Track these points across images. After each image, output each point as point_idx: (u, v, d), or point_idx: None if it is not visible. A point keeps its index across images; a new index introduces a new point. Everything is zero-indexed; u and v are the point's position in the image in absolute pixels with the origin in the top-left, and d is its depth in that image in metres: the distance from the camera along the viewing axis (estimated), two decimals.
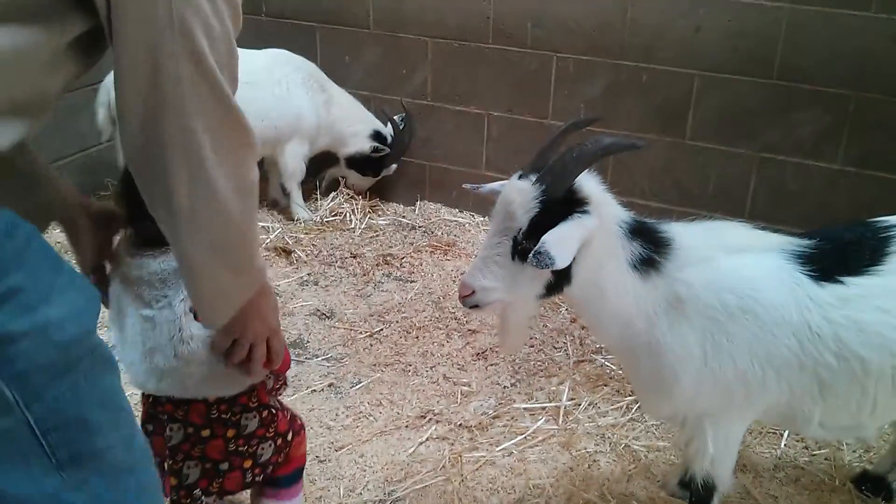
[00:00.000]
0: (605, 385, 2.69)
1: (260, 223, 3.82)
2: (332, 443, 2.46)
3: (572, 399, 2.65)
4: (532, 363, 2.82)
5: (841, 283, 1.78)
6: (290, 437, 1.90)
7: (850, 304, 1.76)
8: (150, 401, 1.81)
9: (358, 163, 3.94)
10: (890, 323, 1.75)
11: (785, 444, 2.47)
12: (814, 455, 2.45)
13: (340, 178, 4.10)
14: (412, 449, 2.45)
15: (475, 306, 1.82)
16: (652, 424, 2.52)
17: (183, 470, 1.79)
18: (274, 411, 1.86)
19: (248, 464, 1.82)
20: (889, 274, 1.78)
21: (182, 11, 0.97)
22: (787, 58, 3.13)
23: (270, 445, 1.85)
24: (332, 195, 4.07)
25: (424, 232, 3.80)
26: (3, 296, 0.97)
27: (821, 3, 3.03)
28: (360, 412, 2.60)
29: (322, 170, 4.11)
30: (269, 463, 1.87)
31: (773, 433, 2.52)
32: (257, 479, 1.86)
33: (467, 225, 3.84)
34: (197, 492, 1.79)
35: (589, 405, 2.62)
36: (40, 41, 0.99)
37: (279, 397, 1.95)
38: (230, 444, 1.79)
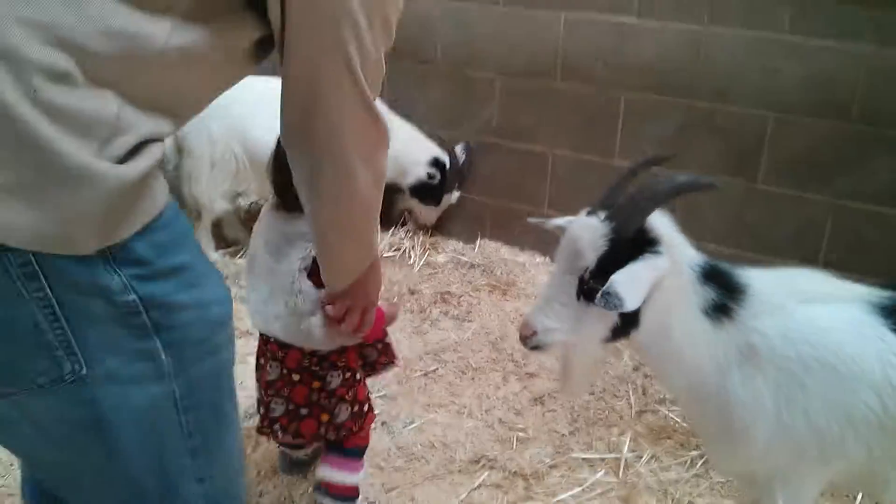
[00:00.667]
0: (669, 438, 2.57)
1: None
2: (384, 483, 2.40)
3: (633, 451, 2.54)
4: (592, 411, 2.71)
5: None
6: (365, 409, 2.15)
7: None
8: (263, 339, 2.12)
9: (418, 191, 3.93)
10: None
11: None
12: None
13: (406, 214, 4.08)
14: (464, 495, 2.37)
15: (536, 347, 1.75)
16: (717, 482, 2.39)
17: (271, 404, 2.09)
18: (357, 377, 2.12)
19: (325, 418, 2.08)
20: None
21: (346, 39, 1.14)
22: (866, 101, 3.01)
23: (347, 409, 2.09)
24: (391, 230, 4.05)
25: (483, 271, 3.73)
26: (174, 269, 1.12)
27: None
28: (412, 454, 2.53)
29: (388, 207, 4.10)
30: (344, 427, 2.10)
31: (847, 495, 2.36)
32: (329, 436, 2.10)
33: (527, 265, 3.77)
34: (276, 426, 2.08)
35: (651, 458, 2.50)
36: (216, 45, 1.10)
37: (380, 375, 2.40)
38: (313, 395, 2.06)
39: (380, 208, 1.43)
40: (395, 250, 3.89)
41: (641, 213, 1.65)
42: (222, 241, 3.89)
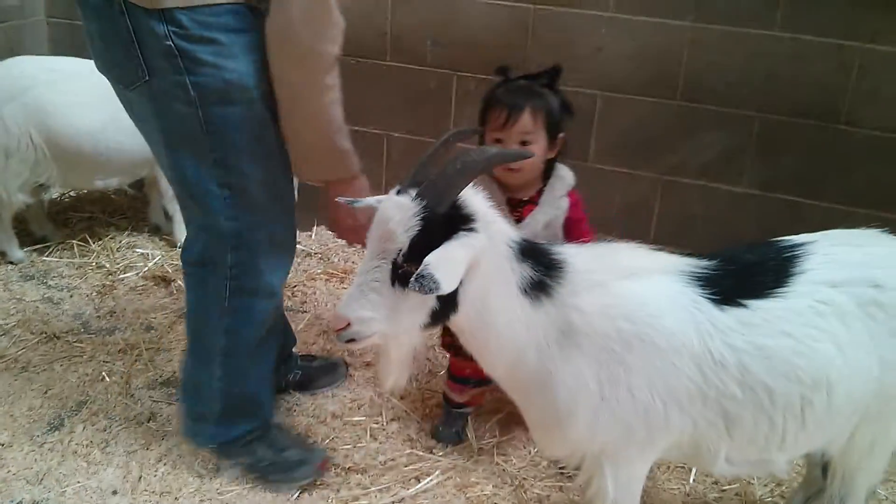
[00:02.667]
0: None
1: (139, 249, 3.54)
2: (205, 491, 2.22)
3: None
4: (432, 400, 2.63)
5: (744, 306, 1.65)
6: None
7: (755, 328, 1.63)
8: None
9: None
10: (796, 349, 1.63)
11: (694, 480, 2.34)
12: (724, 490, 2.33)
13: None
14: (295, 495, 2.22)
15: (352, 340, 1.62)
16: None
17: None
18: None
19: None
20: (794, 296, 1.66)
21: None
22: (691, 78, 3.07)
23: None
24: None
25: (320, 259, 3.57)
26: (205, 39, 1.76)
27: (724, 22, 2.97)
28: None
29: None
30: None
31: (682, 468, 2.38)
32: None
33: (364, 249, 3.62)
34: None
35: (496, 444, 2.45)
36: None
37: None
38: None
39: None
40: None
41: (454, 189, 1.55)
42: (29, 237, 3.53)
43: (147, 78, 1.80)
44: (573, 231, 2.27)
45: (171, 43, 1.74)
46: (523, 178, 2.20)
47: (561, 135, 2.22)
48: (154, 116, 1.89)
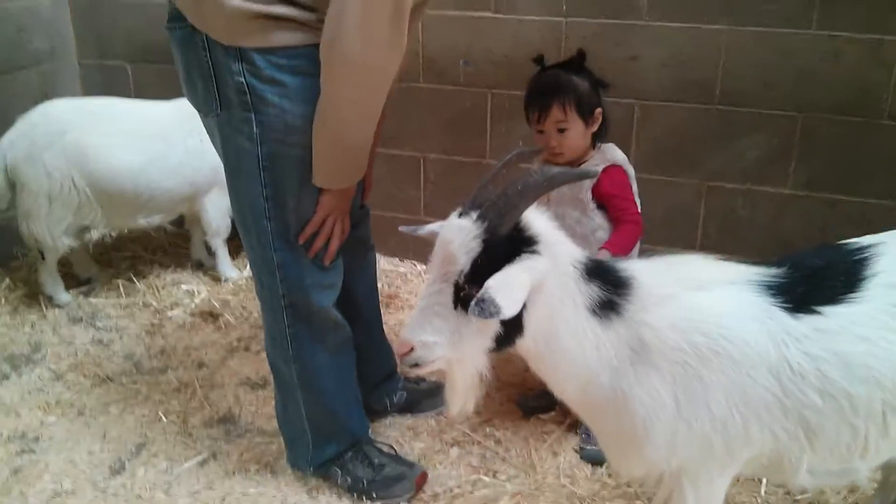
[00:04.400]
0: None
1: (184, 286, 3.55)
2: None
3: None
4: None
5: (818, 313, 1.60)
6: None
7: (830, 335, 1.58)
8: None
9: None
10: (874, 353, 1.57)
11: (765, 492, 2.29)
12: (797, 501, 2.27)
13: None
14: None
15: (416, 365, 1.60)
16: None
17: None
18: None
19: None
20: (868, 300, 1.61)
21: None
22: (728, 82, 3.03)
23: None
24: None
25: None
26: (275, 81, 1.88)
27: (759, 24, 2.93)
28: (300, 497, 2.33)
29: None
30: None
31: (752, 480, 2.32)
32: None
33: (409, 274, 3.62)
34: None
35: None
36: None
37: None
38: None
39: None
40: None
41: (515, 210, 1.53)
42: (73, 279, 3.56)
43: (220, 110, 1.93)
44: (609, 206, 2.42)
45: (242, 80, 1.86)
46: (567, 158, 2.43)
47: (598, 110, 2.43)
48: (221, 146, 2.02)
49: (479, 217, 1.54)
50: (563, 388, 1.70)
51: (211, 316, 3.31)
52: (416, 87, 3.45)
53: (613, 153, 2.48)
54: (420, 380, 2.70)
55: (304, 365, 2.19)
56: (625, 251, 2.32)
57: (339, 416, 2.29)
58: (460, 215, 1.58)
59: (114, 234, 3.98)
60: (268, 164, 1.94)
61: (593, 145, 2.47)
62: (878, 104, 2.90)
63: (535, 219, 1.59)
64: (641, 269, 1.66)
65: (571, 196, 2.41)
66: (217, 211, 3.48)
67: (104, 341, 3.16)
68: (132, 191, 3.25)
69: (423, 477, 2.32)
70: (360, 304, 2.45)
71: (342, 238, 2.08)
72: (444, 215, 1.65)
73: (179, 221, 3.76)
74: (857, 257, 1.70)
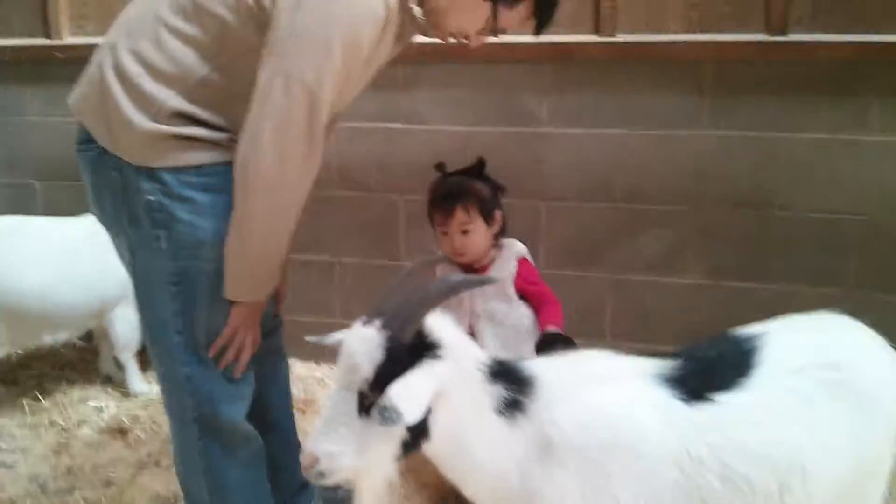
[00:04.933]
0: None
1: (92, 402, 3.44)
2: None
3: None
4: None
5: (714, 402, 1.66)
6: None
7: (727, 423, 1.64)
8: None
9: None
10: (766, 437, 1.65)
11: None
12: None
13: None
14: None
15: (322, 475, 1.59)
16: None
17: None
18: None
19: None
20: (757, 387, 1.69)
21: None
22: (627, 181, 3.19)
23: None
24: None
25: None
26: (186, 199, 1.89)
27: (653, 127, 3.13)
28: None
29: None
30: None
31: None
32: None
33: (325, 378, 3.58)
34: None
35: None
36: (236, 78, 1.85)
37: None
38: None
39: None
40: None
41: (416, 318, 1.57)
42: None
43: (129, 229, 1.93)
44: (529, 295, 2.56)
45: (152, 198, 1.87)
46: (470, 258, 2.54)
47: (498, 212, 2.57)
48: (130, 263, 2.01)
49: (382, 326, 1.56)
50: (475, 491, 1.71)
51: (120, 432, 3.20)
52: (330, 194, 3.52)
53: (518, 248, 2.61)
54: (337, 487, 2.65)
55: (215, 480, 2.13)
56: (560, 324, 2.45)
57: None
58: (364, 324, 1.60)
59: (19, 352, 3.84)
60: (178, 280, 1.93)
61: (495, 244, 2.59)
62: (769, 196, 3.09)
63: (438, 324, 1.62)
64: (544, 368, 1.70)
65: (498, 292, 2.52)
66: (126, 325, 3.41)
67: (8, 463, 3.02)
68: (39, 309, 3.18)
69: None
70: (273, 414, 2.41)
71: (253, 349, 2.07)
72: (360, 315, 1.67)
73: (87, 336, 3.67)
74: (747, 346, 1.78)
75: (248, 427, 2.15)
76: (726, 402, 1.66)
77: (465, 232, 2.50)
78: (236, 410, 2.11)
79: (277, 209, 1.85)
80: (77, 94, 1.98)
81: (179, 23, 1.84)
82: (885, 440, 1.80)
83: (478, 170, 2.61)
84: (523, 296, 2.55)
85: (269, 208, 1.83)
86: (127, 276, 3.16)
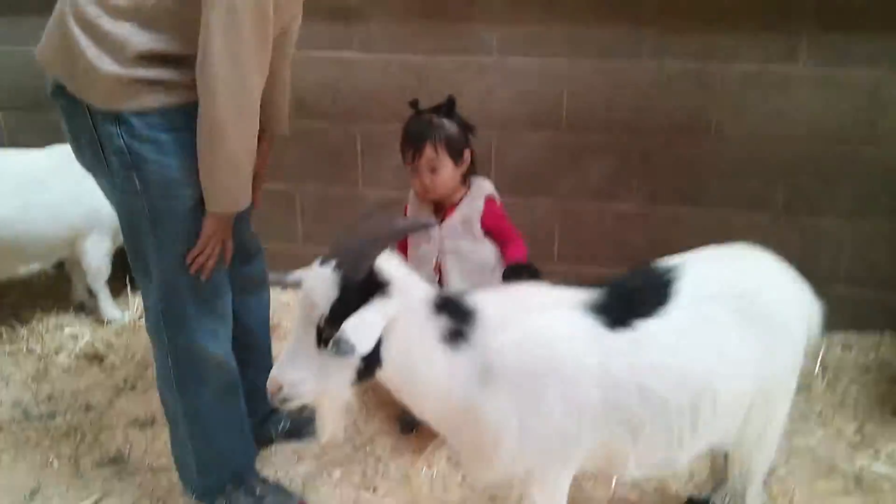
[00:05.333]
0: None
1: (67, 329, 3.60)
2: None
3: None
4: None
5: (632, 328, 1.87)
6: None
7: (644, 347, 1.85)
8: None
9: None
10: (680, 359, 1.87)
11: (615, 483, 2.56)
12: (643, 490, 2.55)
13: None
14: None
15: (285, 400, 1.78)
16: None
17: None
18: None
19: None
20: (673, 314, 1.90)
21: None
22: (572, 110, 3.34)
23: None
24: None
25: None
26: (154, 140, 2.02)
27: (596, 56, 3.25)
28: None
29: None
30: None
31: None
32: None
33: (291, 303, 3.76)
34: None
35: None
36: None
37: None
38: None
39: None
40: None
41: (367, 258, 1.73)
42: None
43: (107, 171, 2.07)
44: (495, 233, 2.68)
45: (122, 142, 2.00)
46: (440, 194, 2.65)
47: (466, 151, 2.65)
48: (114, 204, 2.18)
49: (336, 266, 1.73)
50: (423, 410, 1.91)
51: (96, 358, 3.37)
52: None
53: (485, 187, 2.72)
54: (301, 409, 2.87)
55: (189, 402, 2.32)
56: (525, 257, 2.60)
57: (223, 451, 2.43)
58: (321, 264, 1.77)
59: None
60: (154, 217, 2.09)
61: (464, 182, 2.70)
62: (705, 123, 3.27)
63: (387, 264, 1.79)
64: (484, 300, 1.89)
65: (464, 230, 2.64)
66: (97, 252, 3.54)
67: None
68: (11, 239, 3.28)
69: None
70: (254, 340, 2.59)
71: (227, 257, 2.22)
72: (322, 242, 1.82)
73: (59, 264, 3.78)
74: (665, 277, 1.98)
75: (222, 358, 2.32)
76: (645, 328, 1.87)
77: (433, 170, 2.59)
78: (211, 341, 2.28)
79: (240, 109, 1.96)
80: (43, 44, 2.07)
81: None
82: (789, 362, 2.03)
83: (447, 108, 2.66)
84: (489, 233, 2.67)
85: (232, 109, 1.94)
86: (95, 206, 3.35)
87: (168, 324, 2.22)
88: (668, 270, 2.00)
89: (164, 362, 2.29)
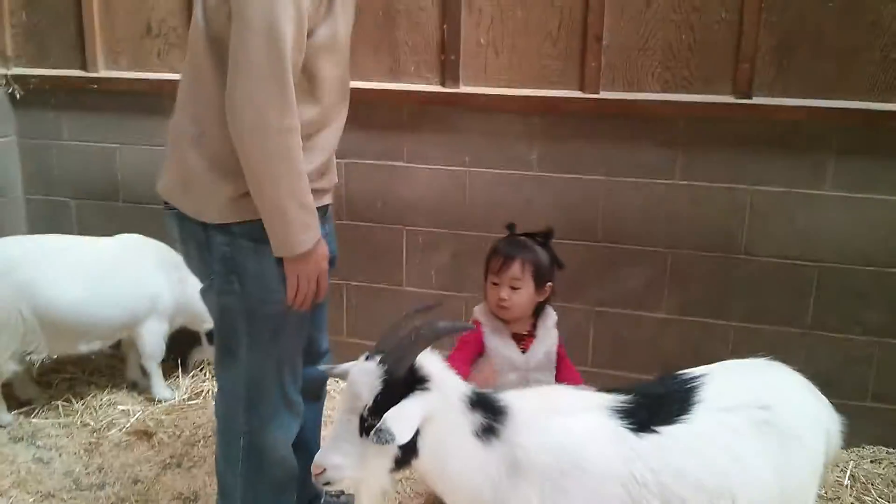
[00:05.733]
0: None
1: (120, 406, 3.78)
2: None
3: None
4: None
5: (657, 433, 1.99)
6: None
7: (667, 451, 1.96)
8: None
9: None
10: (700, 464, 1.96)
11: None
12: None
13: (209, 361, 4.11)
14: None
15: (328, 483, 1.92)
16: None
17: None
18: None
19: None
20: (694, 421, 2.01)
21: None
22: (608, 223, 3.53)
23: None
24: (192, 374, 4.10)
25: None
26: (253, 249, 2.22)
27: (631, 175, 3.46)
28: None
29: (186, 354, 4.13)
30: None
31: None
32: None
33: (332, 392, 3.89)
34: None
35: None
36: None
37: None
38: None
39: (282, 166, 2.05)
40: (198, 394, 3.92)
41: (409, 356, 1.90)
42: (14, 400, 3.75)
43: (212, 277, 2.26)
44: (560, 365, 2.74)
45: (227, 249, 2.20)
46: (512, 315, 2.66)
47: (549, 283, 2.70)
48: (209, 301, 2.37)
49: (381, 361, 1.90)
50: (455, 500, 2.04)
51: (145, 434, 3.53)
52: (338, 223, 3.85)
53: (553, 317, 2.78)
54: (340, 493, 2.98)
55: (248, 490, 2.41)
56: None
57: None
58: (367, 359, 1.94)
59: (53, 356, 4.17)
60: (249, 316, 2.26)
61: (535, 314, 2.72)
62: (735, 242, 3.43)
63: (428, 361, 1.95)
64: (516, 399, 2.03)
65: (547, 363, 2.70)
66: (153, 337, 3.75)
67: (44, 459, 3.35)
68: (75, 321, 3.51)
69: None
70: (307, 432, 2.65)
71: (321, 295, 2.32)
72: (366, 335, 1.98)
73: (115, 344, 4.00)
74: (689, 385, 2.11)
75: (288, 452, 2.44)
76: (668, 433, 1.99)
77: (514, 287, 2.62)
78: (282, 437, 2.41)
79: (272, 154, 2.02)
80: (164, 181, 2.31)
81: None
82: (808, 474, 2.11)
83: (544, 238, 2.74)
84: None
85: (263, 154, 2.01)
86: (156, 293, 3.58)
87: (249, 414, 2.35)
88: (693, 379, 2.12)
89: (235, 446, 2.39)
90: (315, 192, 2.17)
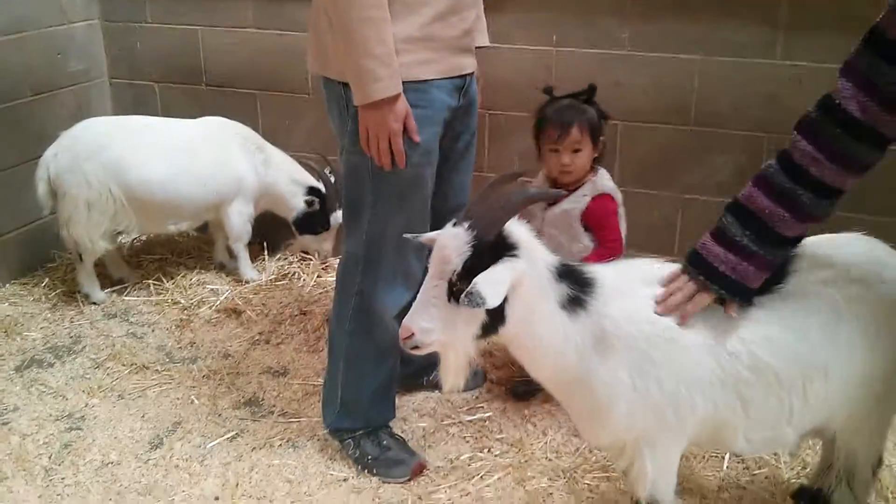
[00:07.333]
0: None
1: (208, 286, 3.90)
2: (295, 494, 2.54)
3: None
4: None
5: (749, 302, 1.92)
6: None
7: (759, 322, 1.91)
8: None
9: (304, 224, 4.04)
10: (794, 336, 1.92)
11: (727, 467, 2.60)
12: (754, 475, 2.59)
13: (315, 254, 4.17)
14: (371, 495, 2.53)
15: (416, 347, 1.92)
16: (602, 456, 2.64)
17: None
18: None
19: None
20: (790, 293, 1.95)
21: None
22: (701, 105, 3.37)
23: None
24: (278, 255, 4.18)
25: None
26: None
27: (729, 54, 3.28)
28: (318, 468, 2.66)
29: (283, 243, 4.23)
30: None
31: (716, 457, 2.65)
32: None
33: None
34: None
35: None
36: None
37: None
38: None
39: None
40: (284, 276, 4.01)
41: (499, 221, 1.86)
42: (107, 279, 3.91)
43: (345, 131, 2.37)
44: (596, 230, 2.78)
45: (351, 107, 2.27)
46: (575, 177, 2.77)
47: (602, 138, 2.79)
48: (345, 161, 2.43)
49: (469, 227, 1.86)
50: (539, 371, 2.03)
51: (234, 312, 3.65)
52: None
53: (605, 182, 2.80)
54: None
55: (353, 349, 2.55)
56: None
57: (366, 403, 2.62)
58: (454, 225, 1.91)
59: (143, 238, 4.33)
60: (374, 174, 2.33)
61: (592, 169, 2.81)
62: None
63: (517, 229, 1.91)
64: (602, 271, 1.99)
65: (564, 222, 2.74)
66: (239, 218, 3.83)
67: (138, 334, 3.51)
68: (163, 199, 3.60)
69: (420, 466, 2.60)
70: None
71: (398, 161, 2.29)
72: None
73: (203, 227, 4.10)
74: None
75: (393, 322, 2.47)
76: (760, 304, 1.93)
77: (575, 151, 2.71)
78: (391, 302, 2.47)
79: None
80: (309, 53, 2.45)
81: None
82: None
83: (588, 95, 2.79)
84: (591, 228, 2.77)
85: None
86: (240, 175, 3.65)
87: (364, 272, 2.45)
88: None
89: (346, 305, 2.52)
90: (429, 47, 2.26)
